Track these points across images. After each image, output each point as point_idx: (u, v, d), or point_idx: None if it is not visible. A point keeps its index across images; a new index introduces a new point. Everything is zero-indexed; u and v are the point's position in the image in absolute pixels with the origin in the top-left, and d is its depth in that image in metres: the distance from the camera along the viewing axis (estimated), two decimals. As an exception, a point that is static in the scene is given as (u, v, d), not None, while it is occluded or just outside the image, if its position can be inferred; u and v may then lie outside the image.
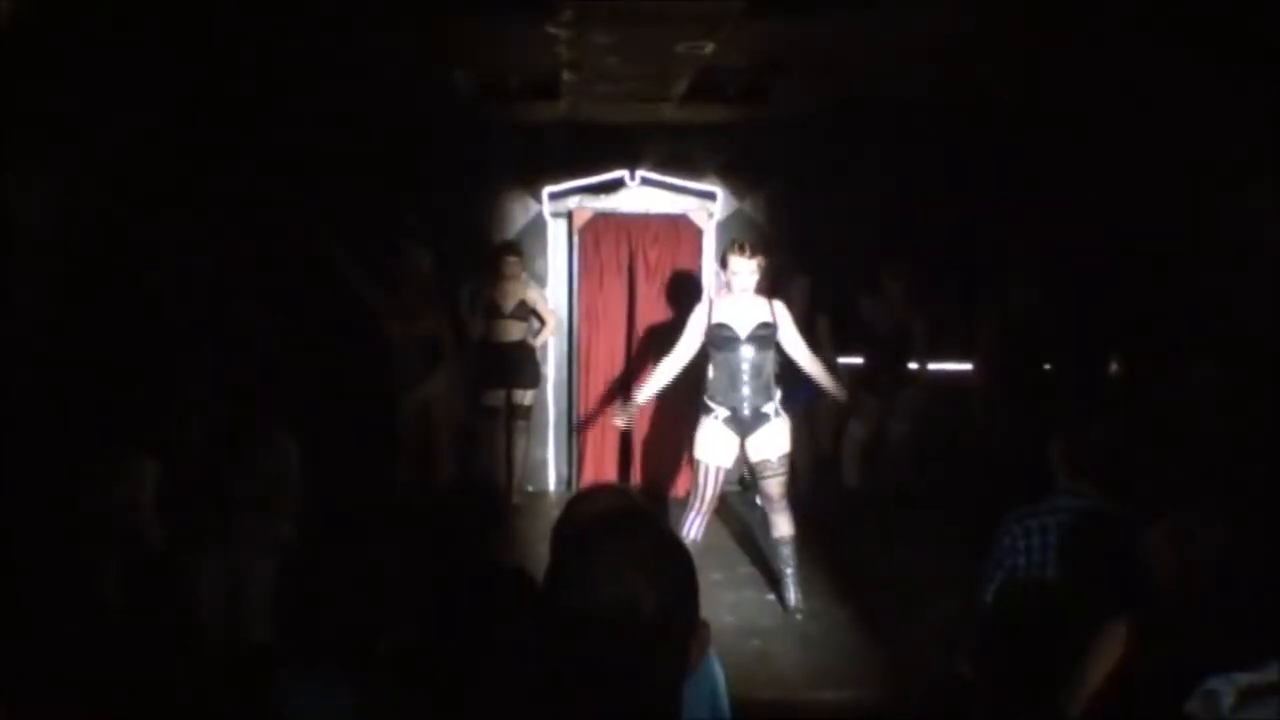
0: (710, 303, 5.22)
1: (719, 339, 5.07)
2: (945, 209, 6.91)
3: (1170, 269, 5.67)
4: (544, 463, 7.53)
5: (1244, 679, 2.17)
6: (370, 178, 6.88)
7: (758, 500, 5.63)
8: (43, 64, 4.62)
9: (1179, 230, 5.65)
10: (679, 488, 7.07)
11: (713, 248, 7.27)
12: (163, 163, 5.83)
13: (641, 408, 7.34)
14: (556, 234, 7.44)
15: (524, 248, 7.12)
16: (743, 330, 5.05)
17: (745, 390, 5.06)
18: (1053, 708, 2.82)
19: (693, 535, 5.06)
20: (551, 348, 7.38)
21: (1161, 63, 5.14)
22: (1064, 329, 6.47)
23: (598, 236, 7.43)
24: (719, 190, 7.39)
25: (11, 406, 4.43)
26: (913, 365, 6.84)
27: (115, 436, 4.18)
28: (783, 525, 5.20)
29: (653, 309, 7.37)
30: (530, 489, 7.35)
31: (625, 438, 7.47)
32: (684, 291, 7.10)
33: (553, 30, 4.69)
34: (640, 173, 7.24)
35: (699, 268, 7.42)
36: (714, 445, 5.09)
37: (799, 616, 5.20)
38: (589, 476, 7.34)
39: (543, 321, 7.06)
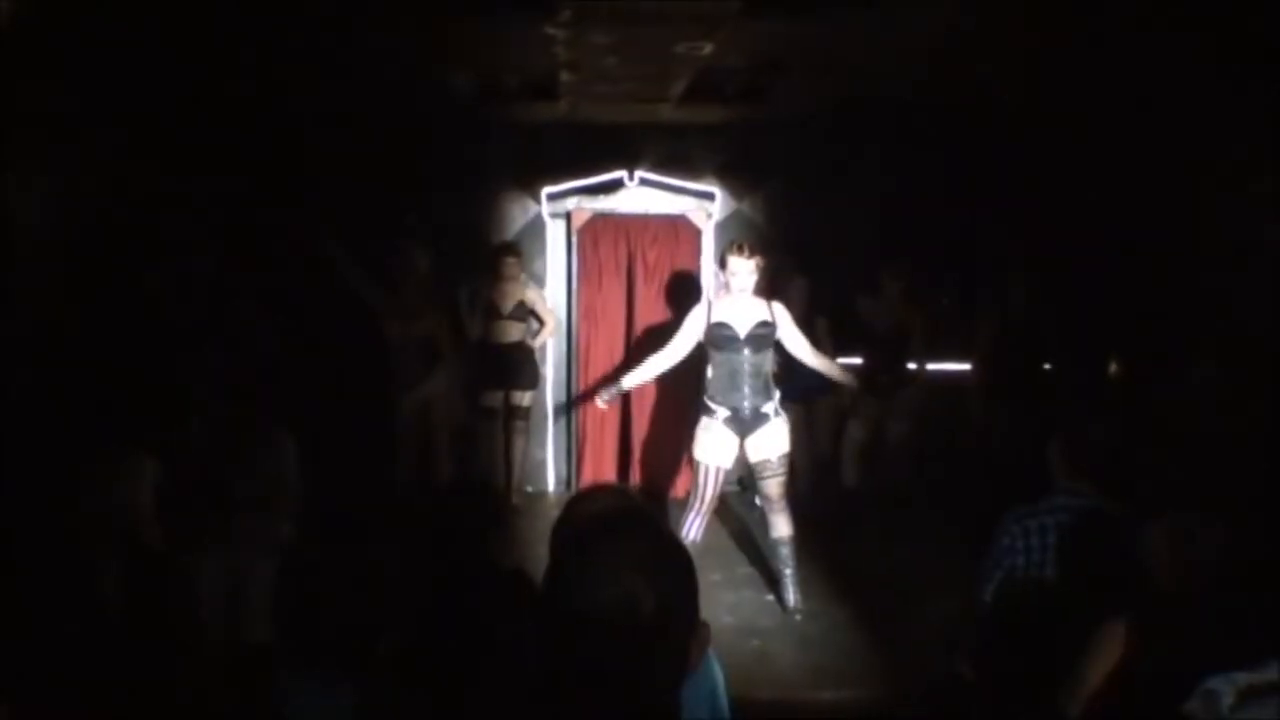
0: (709, 304, 5.22)
1: (719, 339, 5.07)
2: (945, 209, 6.91)
3: (1170, 269, 5.67)
4: (543, 463, 7.53)
5: (1243, 679, 2.17)
6: (369, 178, 6.88)
7: (757, 501, 5.63)
8: (43, 64, 4.62)
9: (1179, 230, 5.65)
10: (678, 488, 7.07)
11: (711, 248, 7.27)
12: (163, 163, 5.83)
13: (640, 408, 7.41)
14: (555, 234, 7.44)
15: (523, 248, 7.12)
16: (742, 330, 5.05)
17: (745, 390, 5.06)
18: (1052, 707, 2.82)
19: (692, 536, 5.06)
20: (550, 348, 7.37)
21: (1161, 63, 5.14)
22: (1064, 329, 6.48)
23: (596, 237, 7.43)
24: (717, 191, 7.39)
25: (11, 406, 4.43)
26: (911, 365, 6.84)
27: (115, 436, 4.18)
28: (782, 525, 5.21)
29: (651, 309, 7.37)
30: (529, 489, 7.35)
31: (624, 438, 7.48)
32: (683, 292, 7.10)
33: (551, 31, 4.69)
34: (639, 173, 7.24)
35: (698, 268, 7.42)
36: (714, 446, 5.10)
37: (798, 617, 5.20)
38: (588, 477, 7.34)
39: (542, 322, 7.05)
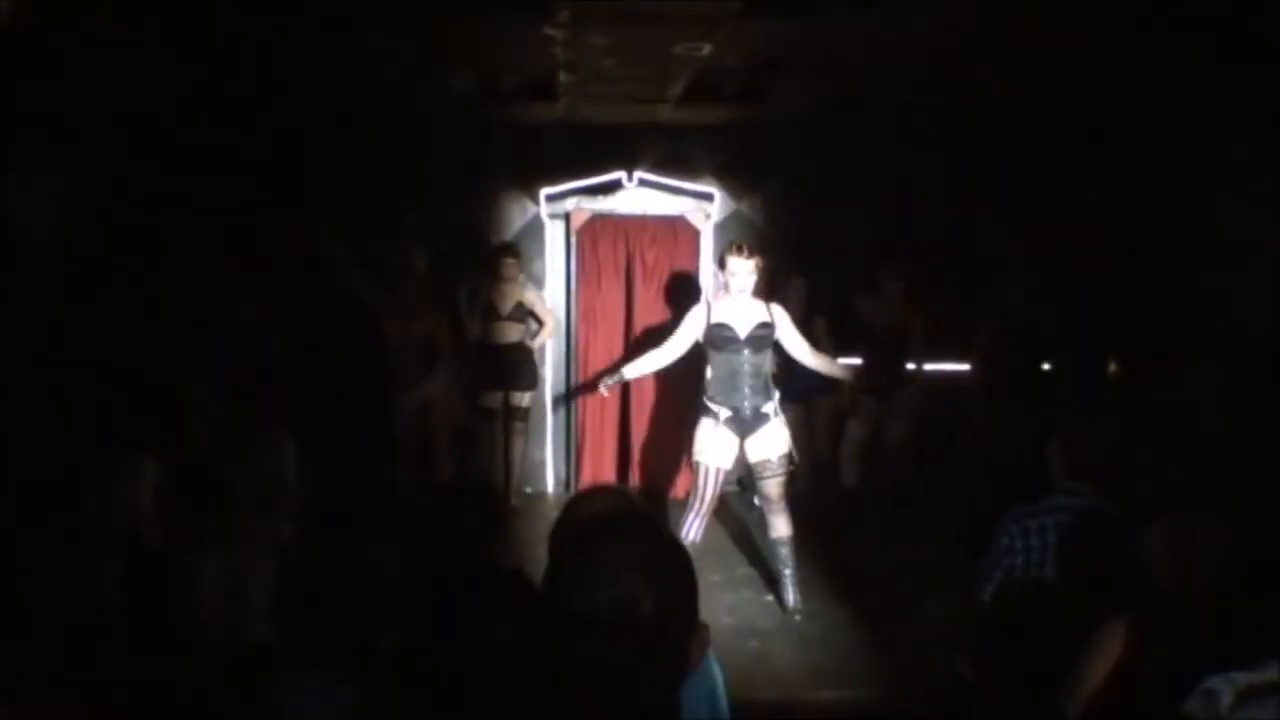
0: (708, 304, 5.22)
1: (719, 339, 5.07)
2: (945, 209, 6.91)
3: (1170, 269, 5.67)
4: (542, 464, 7.52)
5: (1243, 679, 2.17)
6: (369, 178, 6.88)
7: (756, 501, 5.63)
8: (43, 64, 4.62)
9: (1179, 230, 5.65)
10: (678, 489, 7.08)
11: (710, 249, 7.27)
12: (163, 163, 5.83)
13: (640, 409, 7.40)
14: (554, 235, 7.43)
15: (522, 249, 7.11)
16: (742, 330, 5.05)
17: (746, 390, 5.07)
18: (1052, 707, 2.82)
19: (691, 536, 5.06)
20: (549, 349, 7.37)
21: (1161, 63, 5.14)
22: (1064, 329, 6.48)
23: (595, 238, 7.43)
24: (716, 191, 7.39)
25: (11, 406, 4.43)
26: (910, 365, 6.84)
27: (115, 436, 4.18)
28: (781, 526, 5.21)
29: (650, 310, 7.37)
30: (528, 490, 7.35)
31: (624, 439, 7.47)
32: (682, 293, 7.09)
33: (550, 31, 4.69)
34: (638, 174, 7.24)
35: (697, 269, 7.42)
36: (714, 446, 5.10)
37: (797, 617, 5.20)
38: (587, 478, 7.34)
39: (541, 323, 7.05)
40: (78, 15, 4.37)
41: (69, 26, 4.42)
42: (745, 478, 6.41)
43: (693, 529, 5.10)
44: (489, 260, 6.88)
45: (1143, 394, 5.84)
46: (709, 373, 5.19)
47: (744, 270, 5.03)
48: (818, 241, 7.02)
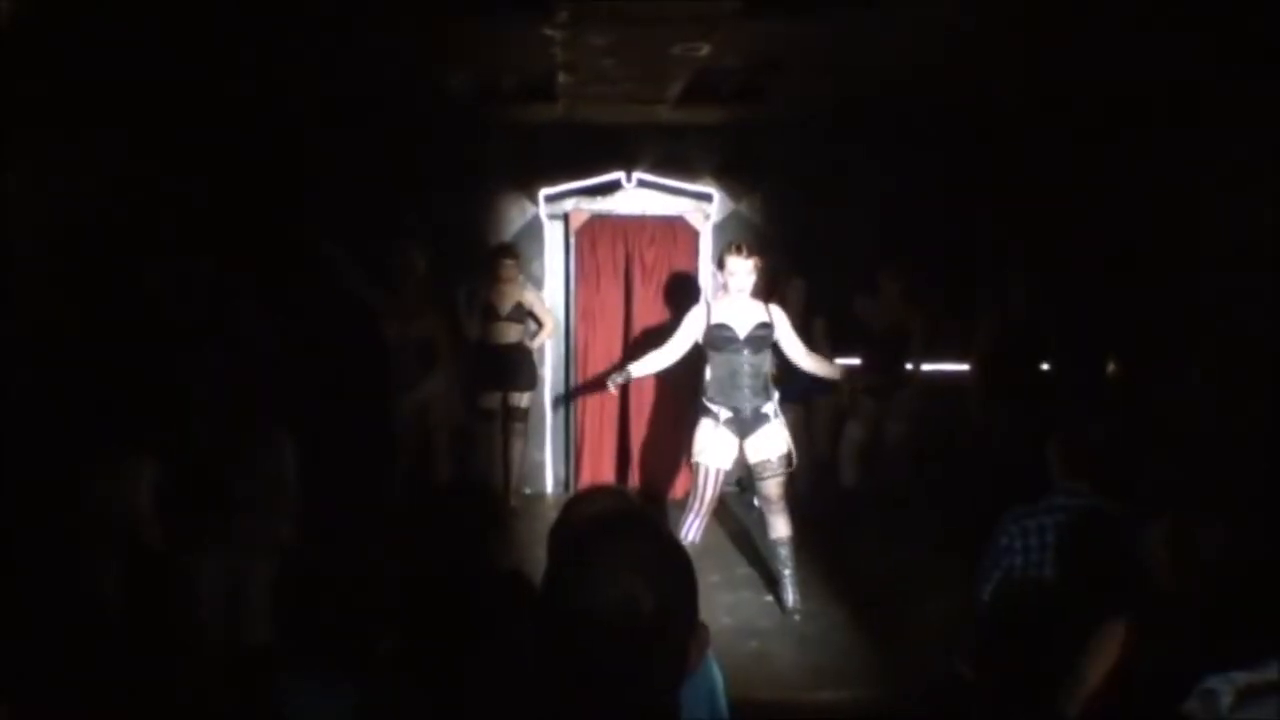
0: (708, 305, 5.22)
1: (718, 340, 5.07)
2: (944, 209, 6.91)
3: (1170, 269, 5.67)
4: (541, 465, 7.52)
5: (1242, 678, 2.17)
6: (369, 178, 6.88)
7: (755, 502, 5.64)
8: (43, 64, 4.62)
9: (1179, 230, 5.66)
10: (677, 489, 7.08)
11: (709, 249, 7.27)
12: (163, 163, 5.83)
13: (639, 410, 7.40)
14: (553, 236, 7.43)
15: (520, 250, 7.11)
16: (742, 330, 5.05)
17: (745, 391, 5.07)
18: (1052, 707, 2.82)
19: (691, 537, 5.06)
20: (548, 350, 7.36)
21: (1161, 63, 5.14)
22: (1064, 329, 6.48)
23: (594, 238, 7.43)
24: (715, 192, 7.39)
25: (11, 406, 4.43)
26: (909, 366, 6.84)
27: (115, 436, 4.19)
28: (780, 526, 5.21)
29: (649, 311, 7.37)
30: (528, 491, 7.35)
31: (623, 440, 7.47)
32: (681, 293, 7.09)
33: (549, 32, 4.69)
34: (637, 174, 7.24)
35: (695, 269, 7.42)
36: (714, 447, 5.09)
37: (797, 617, 5.20)
38: (586, 478, 7.33)
39: (540, 324, 7.05)
40: (78, 15, 4.36)
41: (69, 26, 4.42)
42: (745, 478, 6.41)
43: (692, 529, 5.10)
44: (488, 261, 6.88)
45: (1142, 394, 5.84)
46: (708, 373, 5.19)
47: (743, 270, 5.03)
48: (817, 242, 7.02)
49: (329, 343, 6.50)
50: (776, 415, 5.13)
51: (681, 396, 6.55)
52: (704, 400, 5.18)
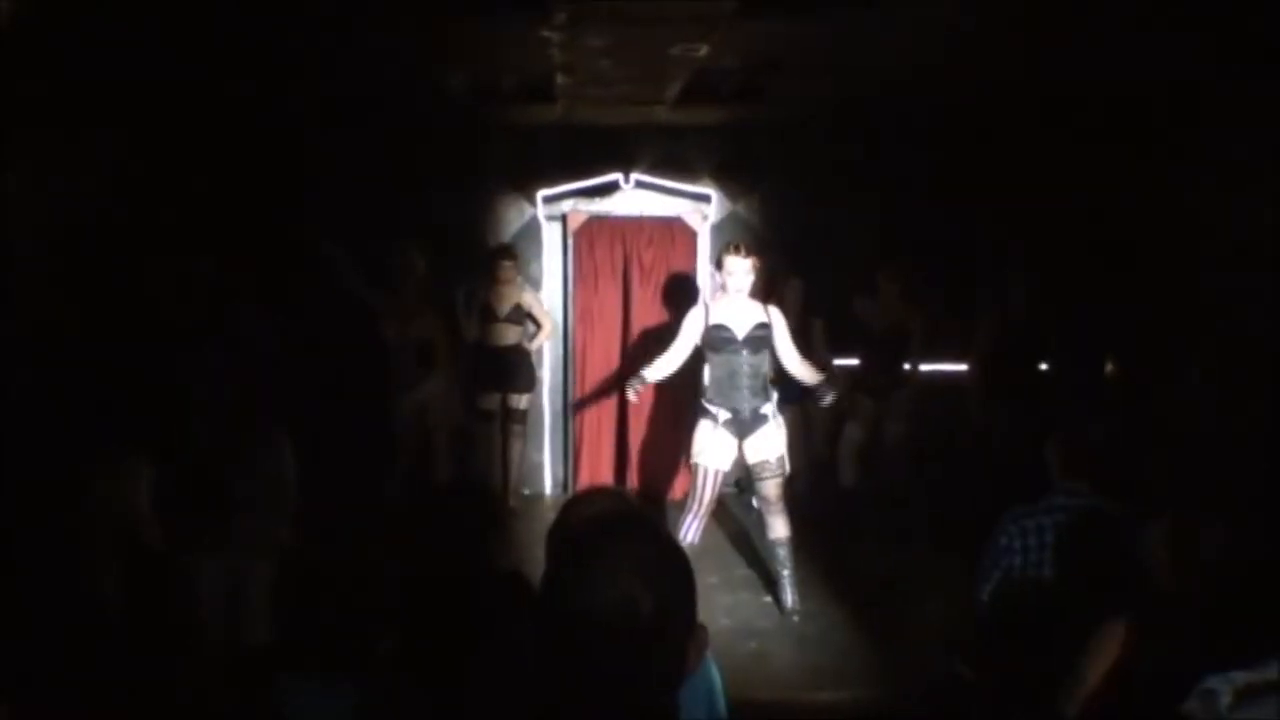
0: (706, 306, 5.22)
1: (717, 341, 5.07)
2: (944, 209, 6.90)
3: (1170, 269, 5.67)
4: (540, 466, 7.51)
5: (1242, 678, 2.17)
6: (368, 178, 6.88)
7: (754, 503, 5.64)
8: (43, 64, 4.62)
9: (1179, 230, 5.66)
10: (676, 490, 7.07)
11: (707, 250, 7.26)
12: (163, 163, 5.83)
13: (637, 411, 7.38)
14: (551, 237, 7.42)
15: (519, 251, 7.10)
16: (740, 331, 5.05)
17: (744, 391, 5.07)
18: (1051, 707, 2.82)
19: (690, 538, 5.06)
20: (547, 351, 7.35)
21: (1161, 63, 5.14)
22: (1064, 329, 6.48)
23: (592, 239, 7.42)
24: (713, 192, 7.39)
25: (12, 406, 4.43)
26: (908, 366, 6.83)
27: (115, 436, 4.18)
28: (779, 527, 5.20)
29: (648, 312, 7.36)
30: (526, 492, 7.34)
31: (621, 441, 7.47)
32: (679, 294, 7.09)
33: (547, 33, 4.68)
34: (635, 175, 7.24)
35: (694, 270, 7.41)
36: (713, 448, 5.09)
37: (796, 618, 5.20)
38: (585, 480, 7.33)
39: (538, 325, 7.04)
40: (78, 15, 4.36)
41: (69, 26, 4.42)
42: (743, 479, 6.41)
43: (691, 530, 5.10)
44: (486, 262, 6.88)
45: (1142, 394, 5.84)
46: (707, 374, 5.19)
47: (741, 270, 5.03)
48: (815, 242, 7.02)
49: (329, 343, 6.50)
50: (775, 416, 5.13)
51: (680, 398, 6.55)
52: (703, 401, 5.18)
